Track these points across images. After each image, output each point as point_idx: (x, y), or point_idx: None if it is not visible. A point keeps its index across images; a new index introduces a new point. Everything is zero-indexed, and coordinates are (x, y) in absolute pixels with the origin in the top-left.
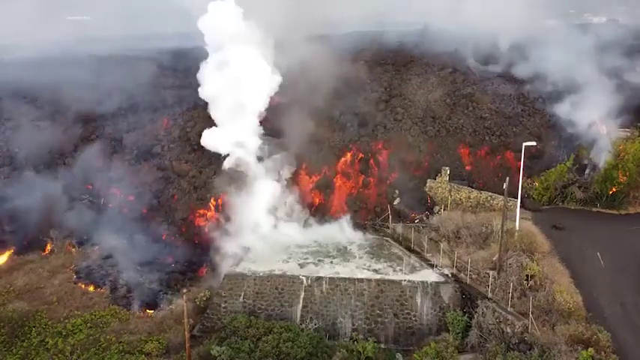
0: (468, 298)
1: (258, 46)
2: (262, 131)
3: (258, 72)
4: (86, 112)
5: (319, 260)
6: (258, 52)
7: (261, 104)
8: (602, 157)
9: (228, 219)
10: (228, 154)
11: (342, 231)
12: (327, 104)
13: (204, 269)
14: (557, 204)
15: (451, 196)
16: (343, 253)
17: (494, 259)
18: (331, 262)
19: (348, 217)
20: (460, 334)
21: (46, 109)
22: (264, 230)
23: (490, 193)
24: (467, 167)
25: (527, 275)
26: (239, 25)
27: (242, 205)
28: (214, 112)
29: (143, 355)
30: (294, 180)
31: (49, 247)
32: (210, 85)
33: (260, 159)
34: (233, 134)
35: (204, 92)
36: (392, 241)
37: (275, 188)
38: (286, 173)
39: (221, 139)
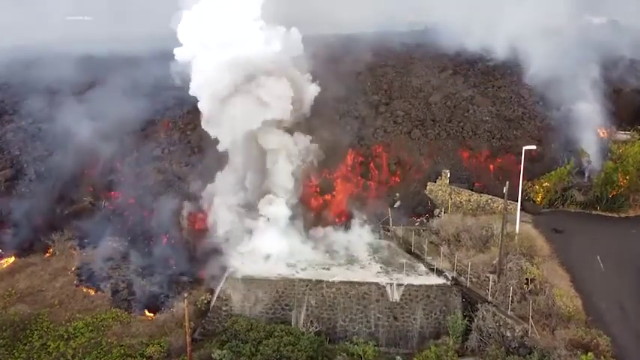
0: (468, 301)
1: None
2: None
3: None
4: None
5: (320, 263)
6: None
7: None
8: (602, 160)
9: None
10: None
11: (342, 234)
12: (327, 107)
13: (205, 272)
14: (558, 207)
15: (451, 199)
16: (344, 256)
17: (494, 262)
18: (332, 266)
19: (347, 220)
20: (460, 338)
21: None
22: (266, 232)
23: (490, 196)
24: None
25: (527, 279)
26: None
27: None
28: None
29: (144, 359)
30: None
31: (50, 250)
32: None
33: None
34: None
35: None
36: (392, 244)
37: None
38: None
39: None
